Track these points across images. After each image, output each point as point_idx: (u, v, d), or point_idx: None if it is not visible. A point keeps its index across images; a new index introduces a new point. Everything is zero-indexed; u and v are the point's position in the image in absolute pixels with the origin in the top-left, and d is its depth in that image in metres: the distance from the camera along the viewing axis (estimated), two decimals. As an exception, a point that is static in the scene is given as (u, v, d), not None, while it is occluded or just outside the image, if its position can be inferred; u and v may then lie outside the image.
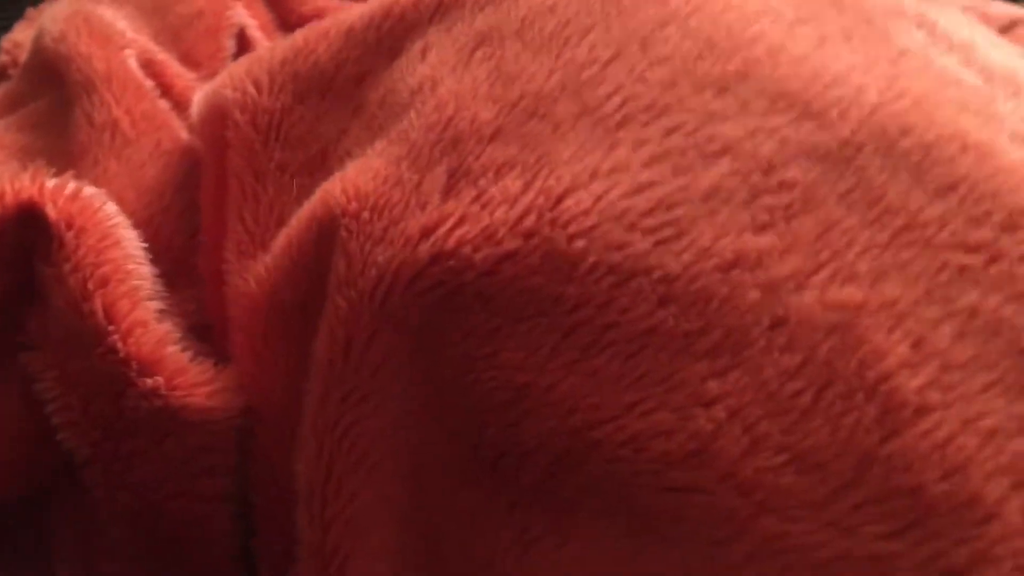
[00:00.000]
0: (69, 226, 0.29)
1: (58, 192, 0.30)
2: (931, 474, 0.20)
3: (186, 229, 0.37)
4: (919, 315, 0.22)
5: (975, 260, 0.22)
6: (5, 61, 0.57)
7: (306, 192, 0.30)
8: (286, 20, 0.55)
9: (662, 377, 0.22)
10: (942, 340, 0.21)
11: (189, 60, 0.47)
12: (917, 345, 0.21)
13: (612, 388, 0.23)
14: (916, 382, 0.21)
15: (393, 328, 0.26)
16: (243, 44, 0.50)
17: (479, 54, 0.29)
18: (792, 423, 0.21)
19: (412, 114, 0.28)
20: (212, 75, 0.46)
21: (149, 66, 0.44)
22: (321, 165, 0.31)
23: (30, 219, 0.29)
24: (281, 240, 0.29)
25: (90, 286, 0.28)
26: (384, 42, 0.32)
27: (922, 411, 0.21)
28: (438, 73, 0.29)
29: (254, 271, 0.29)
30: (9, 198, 0.29)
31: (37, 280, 0.29)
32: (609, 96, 0.26)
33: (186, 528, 0.30)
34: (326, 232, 0.28)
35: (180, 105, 0.43)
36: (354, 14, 0.33)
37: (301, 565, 0.27)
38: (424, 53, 0.30)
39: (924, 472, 0.20)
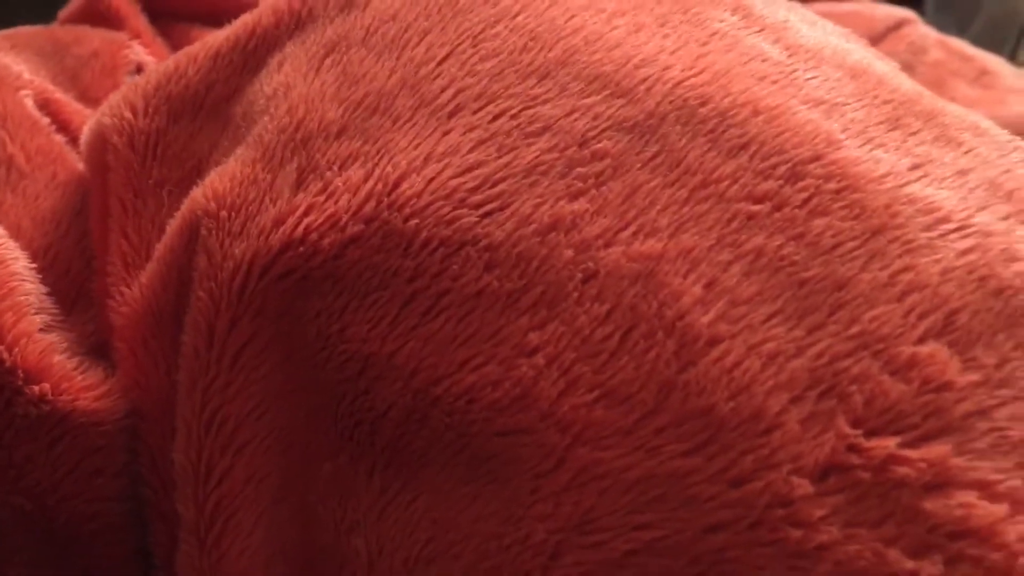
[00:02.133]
0: None
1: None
2: (721, 395, 0.23)
3: (83, 255, 0.39)
4: (711, 259, 0.24)
5: (762, 208, 0.25)
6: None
7: (178, 204, 0.32)
8: (181, 55, 0.57)
9: (490, 334, 0.25)
10: (731, 279, 0.24)
11: (87, 98, 0.49)
12: (709, 285, 0.24)
13: (447, 348, 0.25)
14: (708, 317, 0.23)
15: (251, 315, 0.28)
16: (140, 80, 0.52)
17: (328, 61, 0.31)
18: (602, 363, 0.24)
19: (266, 119, 0.31)
20: (109, 111, 0.49)
21: (46, 105, 0.46)
22: (196, 179, 0.33)
23: None
24: (157, 249, 0.31)
25: None
26: (249, 61, 0.34)
27: (713, 341, 0.23)
28: (290, 80, 0.31)
29: (136, 280, 0.31)
30: None
31: None
32: (443, 89, 0.29)
33: (83, 528, 0.31)
34: (192, 235, 0.30)
35: (76, 140, 0.45)
36: (220, 37, 0.36)
37: (182, 547, 0.29)
38: (280, 65, 0.33)
39: (715, 394, 0.23)
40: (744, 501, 0.22)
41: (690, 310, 0.24)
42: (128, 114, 0.35)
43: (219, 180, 0.30)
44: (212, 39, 0.36)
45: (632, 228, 0.25)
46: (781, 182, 0.25)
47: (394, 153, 0.28)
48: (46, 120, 0.45)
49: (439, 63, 0.29)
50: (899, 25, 0.86)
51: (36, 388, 0.30)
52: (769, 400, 0.22)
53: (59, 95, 0.48)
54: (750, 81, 0.28)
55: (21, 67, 0.49)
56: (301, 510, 0.28)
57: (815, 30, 0.34)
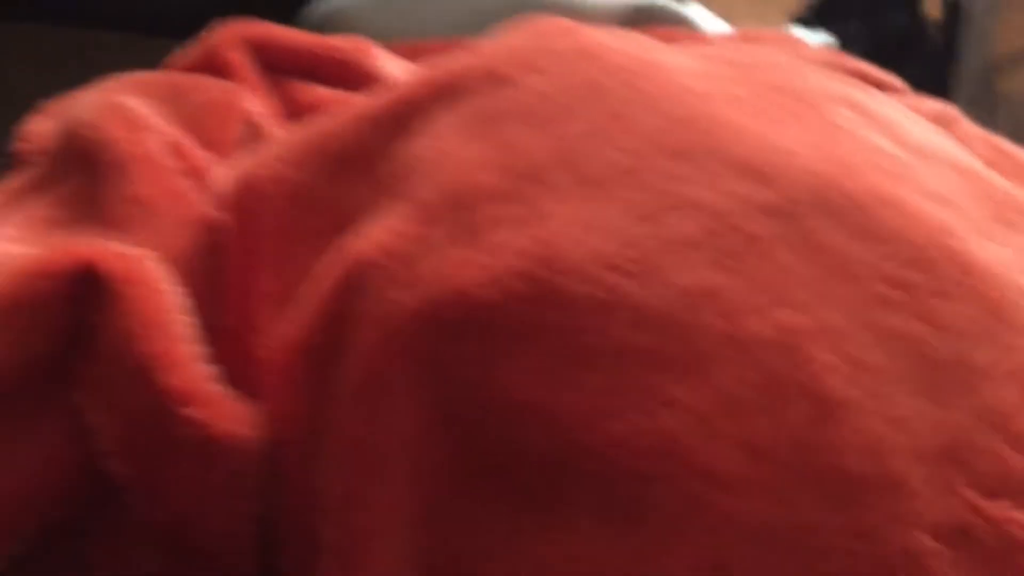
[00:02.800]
0: (121, 281, 0.34)
1: (108, 251, 0.34)
2: (854, 455, 0.25)
3: (208, 290, 0.42)
4: (846, 333, 0.27)
5: (892, 290, 0.28)
6: (26, 148, 0.62)
7: (333, 251, 0.35)
8: (288, 107, 0.61)
9: (636, 387, 0.27)
10: (865, 352, 0.26)
11: (205, 143, 0.52)
12: (845, 356, 0.26)
13: (595, 399, 0.27)
14: (843, 384, 0.26)
15: (407, 357, 0.30)
16: (255, 129, 0.55)
17: (483, 131, 0.34)
18: (742, 419, 0.26)
19: (424, 179, 0.34)
20: (226, 156, 0.52)
21: (174, 148, 0.49)
22: (345, 228, 0.36)
23: (84, 275, 0.34)
24: (311, 290, 0.34)
25: (137, 330, 0.33)
26: (399, 125, 0.38)
27: (845, 405, 0.26)
28: (447, 145, 0.34)
29: (288, 319, 0.34)
30: (67, 258, 0.33)
31: (89, 328, 0.34)
32: (593, 163, 0.32)
33: (218, 546, 0.34)
34: (351, 281, 0.33)
35: (201, 182, 0.48)
36: (375, 102, 0.39)
37: (323, 569, 0.31)
38: (435, 130, 0.36)
39: (848, 454, 0.25)
40: (873, 554, 0.24)
41: (825, 375, 0.26)
42: (284, 167, 0.38)
43: (382, 233, 0.32)
44: (366, 103, 0.39)
45: (773, 300, 0.27)
46: (910, 268, 0.28)
47: (550, 218, 0.30)
48: (173, 163, 0.48)
49: (588, 139, 0.32)
50: (944, 119, 0.90)
51: (190, 412, 0.32)
52: (898, 462, 0.25)
53: (183, 139, 0.51)
54: (874, 173, 0.31)
55: (146, 111, 0.52)
56: (440, 540, 0.30)
57: (918, 127, 0.37)
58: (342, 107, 0.44)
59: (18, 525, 0.32)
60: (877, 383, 0.26)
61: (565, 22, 0.40)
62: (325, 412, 0.32)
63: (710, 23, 1.08)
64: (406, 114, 0.38)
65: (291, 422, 0.33)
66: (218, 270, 0.42)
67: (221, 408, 0.33)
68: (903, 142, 0.34)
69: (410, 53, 0.83)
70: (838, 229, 0.29)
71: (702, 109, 0.33)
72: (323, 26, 0.96)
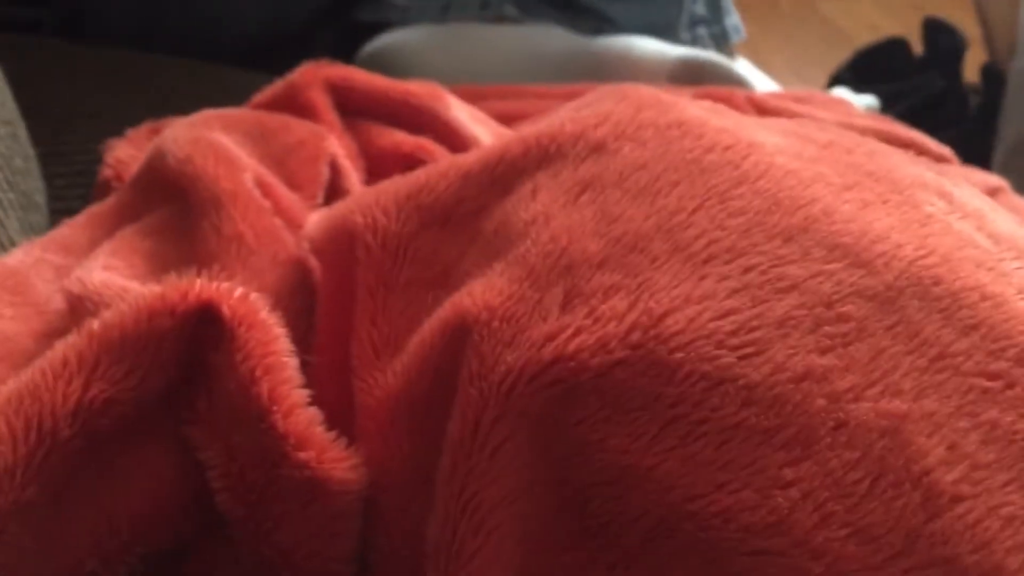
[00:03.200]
0: (240, 323, 0.35)
1: (230, 294, 0.35)
2: (964, 547, 0.26)
3: (299, 328, 0.43)
4: (952, 425, 0.28)
5: (995, 385, 0.28)
6: (110, 175, 0.64)
7: (431, 304, 0.36)
8: (366, 150, 0.62)
9: (746, 463, 0.28)
10: (971, 445, 0.27)
11: (291, 183, 0.54)
12: (951, 448, 0.27)
13: (704, 470, 0.28)
14: (951, 476, 0.27)
15: (515, 415, 0.31)
16: (334, 170, 0.56)
17: (584, 197, 0.35)
18: (853, 504, 0.27)
19: (528, 243, 0.35)
20: (311, 196, 0.53)
21: (262, 187, 0.50)
22: (444, 283, 0.37)
23: (206, 315, 0.35)
24: (414, 343, 0.35)
25: (258, 373, 0.34)
26: (497, 183, 0.39)
27: (956, 499, 0.26)
28: (549, 210, 0.35)
29: (390, 367, 0.35)
30: (189, 296, 0.35)
31: (208, 367, 0.35)
32: (696, 238, 0.33)
33: (315, 583, 0.34)
34: (457, 337, 0.34)
35: (288, 221, 0.49)
36: (470, 158, 0.40)
37: (422, 614, 0.32)
38: (534, 193, 0.37)
39: (959, 546, 0.26)
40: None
41: (935, 468, 0.27)
42: (382, 217, 0.39)
43: (488, 292, 0.33)
44: (461, 159, 0.41)
45: (879, 387, 0.28)
46: (1011, 363, 0.29)
47: (655, 290, 0.31)
48: (267, 202, 0.49)
49: (690, 213, 0.33)
50: (994, 192, 0.90)
51: (302, 455, 0.33)
52: (1008, 558, 0.25)
53: (271, 178, 0.52)
54: (971, 267, 0.32)
55: (238, 149, 0.53)
56: (538, 594, 0.31)
57: (1004, 219, 0.37)
58: (438, 160, 0.45)
59: (126, 553, 0.33)
60: (984, 476, 0.27)
61: (661, 94, 0.41)
62: (428, 462, 0.33)
63: (757, 79, 1.10)
64: (506, 174, 0.39)
65: (392, 468, 0.34)
66: (307, 311, 0.43)
67: (330, 452, 0.34)
68: (992, 234, 0.35)
69: (472, 96, 0.85)
70: (939, 320, 0.30)
71: (803, 192, 0.34)
72: (379, 62, 0.98)
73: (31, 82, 0.80)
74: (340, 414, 0.37)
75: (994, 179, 0.96)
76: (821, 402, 0.28)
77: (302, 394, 0.35)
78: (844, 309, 0.30)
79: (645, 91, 0.41)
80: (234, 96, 0.66)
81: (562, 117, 0.40)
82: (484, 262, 0.36)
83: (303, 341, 0.43)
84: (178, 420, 0.35)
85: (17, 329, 0.43)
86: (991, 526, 0.26)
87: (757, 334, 0.30)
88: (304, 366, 0.39)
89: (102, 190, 0.62)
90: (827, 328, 0.30)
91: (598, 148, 0.37)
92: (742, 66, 1.14)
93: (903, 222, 0.33)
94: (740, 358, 0.29)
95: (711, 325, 0.30)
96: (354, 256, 0.40)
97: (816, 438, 0.28)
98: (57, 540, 0.33)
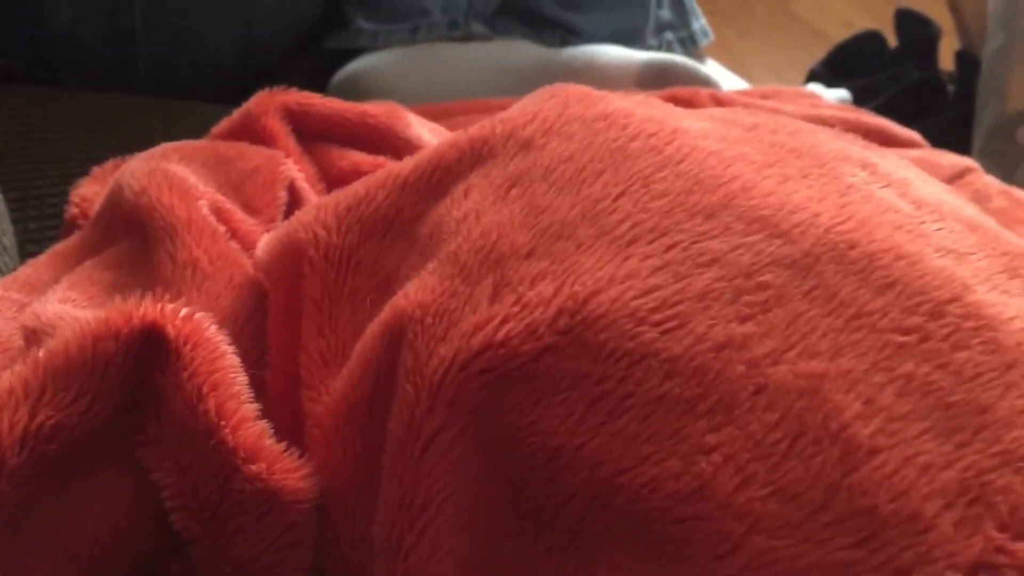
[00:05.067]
0: (185, 342, 0.35)
1: (175, 314, 0.36)
2: (883, 497, 0.26)
3: (256, 350, 0.44)
4: (868, 380, 0.28)
5: (909, 339, 0.29)
6: (75, 213, 0.65)
7: (374, 311, 0.37)
8: (327, 173, 0.63)
9: (670, 433, 0.29)
10: (886, 399, 0.28)
11: (249, 208, 0.55)
12: (868, 403, 0.28)
13: (631, 444, 0.29)
14: (868, 430, 0.27)
15: (446, 406, 0.32)
16: (293, 194, 0.57)
17: (513, 192, 0.36)
18: (774, 464, 0.27)
19: (459, 239, 0.35)
20: (270, 220, 0.54)
21: (219, 213, 0.51)
22: (386, 289, 0.38)
23: (151, 336, 0.35)
24: (356, 349, 0.36)
25: (205, 390, 0.34)
26: (433, 189, 0.40)
27: (874, 451, 0.27)
28: (480, 207, 0.36)
29: (338, 375, 0.36)
30: (133, 319, 0.35)
31: (155, 387, 0.35)
32: (620, 222, 0.33)
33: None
34: (394, 338, 0.34)
35: (245, 245, 0.50)
36: (406, 167, 0.41)
37: (375, 612, 0.32)
38: (467, 193, 0.38)
39: (877, 496, 0.26)
40: (903, 591, 0.25)
41: (852, 423, 0.27)
42: (323, 231, 0.40)
43: (421, 291, 0.34)
44: (398, 168, 0.42)
45: (796, 350, 0.29)
46: (925, 318, 0.29)
47: (580, 273, 0.32)
48: (221, 227, 0.50)
49: (615, 199, 0.34)
50: (963, 173, 0.91)
51: (253, 467, 0.34)
52: (925, 504, 0.26)
53: (228, 205, 0.53)
54: (889, 229, 0.32)
55: (193, 178, 0.54)
56: (483, 582, 0.31)
57: (931, 186, 0.38)
58: (375, 172, 0.46)
59: (86, 577, 0.34)
60: (900, 428, 0.27)
61: (589, 90, 0.42)
62: (372, 464, 0.34)
63: (726, 80, 1.11)
64: (440, 178, 0.40)
65: (340, 474, 0.35)
66: (263, 331, 0.44)
67: (281, 464, 0.34)
68: (915, 200, 0.36)
69: (439, 114, 0.86)
70: (855, 282, 0.31)
71: (724, 171, 0.34)
72: (351, 85, 1.00)
73: (2, 127, 0.81)
74: (294, 427, 0.38)
75: (964, 161, 0.96)
76: (741, 368, 0.29)
77: (251, 408, 0.35)
78: (763, 278, 0.31)
79: (573, 88, 0.42)
80: (208, 131, 0.67)
81: (494, 119, 0.41)
82: (420, 264, 0.37)
83: (260, 361, 0.44)
84: (131, 443, 0.36)
85: (-20, 366, 0.43)
86: (908, 475, 0.27)
87: (679, 308, 0.31)
88: (258, 384, 0.40)
89: (68, 229, 0.63)
90: (747, 297, 0.30)
91: (526, 145, 0.38)
92: (711, 68, 1.15)
93: (822, 193, 0.34)
94: (662, 333, 0.30)
95: (634, 303, 0.31)
96: (299, 271, 0.41)
97: (737, 403, 0.28)
98: (14, 570, 0.33)
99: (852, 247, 0.31)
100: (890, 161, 0.39)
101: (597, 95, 0.41)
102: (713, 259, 0.31)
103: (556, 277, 0.32)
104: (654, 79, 1.01)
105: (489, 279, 0.33)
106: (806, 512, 0.27)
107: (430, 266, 0.36)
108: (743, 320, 0.30)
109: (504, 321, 0.32)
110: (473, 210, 0.36)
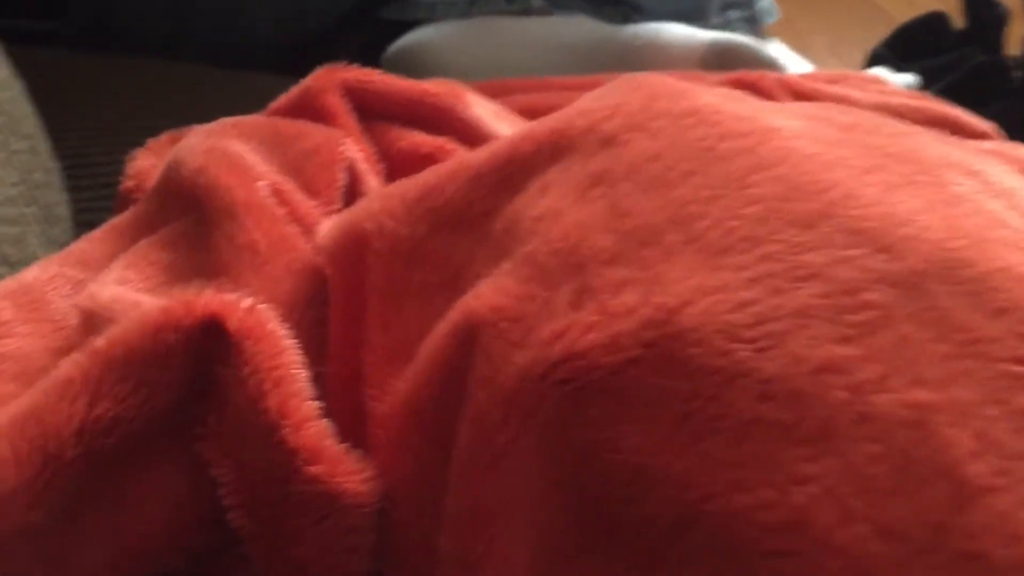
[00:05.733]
0: (247, 336, 0.35)
1: (237, 306, 0.35)
2: (994, 541, 0.25)
3: (315, 338, 0.43)
4: (981, 413, 0.27)
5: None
6: (130, 186, 0.65)
7: (443, 307, 0.36)
8: (386, 153, 0.62)
9: (764, 460, 0.27)
10: (1001, 434, 0.26)
11: (308, 189, 0.54)
12: (980, 437, 0.26)
13: (720, 468, 0.28)
14: (980, 467, 0.26)
15: (522, 416, 0.31)
16: (353, 175, 0.56)
17: (595, 192, 0.35)
18: (876, 499, 0.26)
19: (538, 240, 0.34)
20: (329, 202, 0.53)
21: (278, 194, 0.50)
22: (454, 285, 0.37)
23: (212, 328, 0.35)
24: (423, 348, 0.35)
25: (266, 387, 0.34)
26: (507, 182, 0.38)
27: (986, 491, 0.26)
28: (559, 206, 0.35)
29: (402, 374, 0.35)
30: (194, 310, 0.35)
31: (216, 382, 0.35)
32: (710, 228, 0.32)
33: (331, 598, 0.34)
34: (465, 340, 0.33)
35: (305, 228, 0.49)
36: (479, 158, 0.40)
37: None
38: (544, 190, 0.36)
39: (988, 540, 0.25)
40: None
41: (963, 459, 0.26)
42: (390, 222, 0.39)
43: (496, 293, 0.33)
44: (470, 158, 0.40)
45: (903, 377, 0.27)
46: (1043, 346, 0.28)
47: (667, 283, 0.31)
48: (281, 210, 0.49)
49: (705, 203, 0.33)
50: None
51: (314, 469, 0.33)
52: (1042, 551, 0.25)
53: (287, 186, 0.52)
54: (1001, 247, 0.31)
55: (252, 156, 0.53)
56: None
57: (1039, 196, 0.36)
58: (446, 161, 0.44)
59: (141, 573, 0.33)
60: (1015, 466, 0.26)
61: (675, 82, 0.40)
62: (437, 470, 0.33)
63: (791, 61, 1.08)
64: (514, 172, 0.39)
65: (403, 478, 0.34)
66: (323, 320, 0.43)
67: (342, 465, 0.33)
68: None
69: (497, 91, 0.84)
70: (967, 305, 0.29)
71: (823, 177, 0.33)
72: (406, 58, 0.98)
73: (55, 94, 0.81)
74: (354, 426, 0.37)
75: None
76: (842, 394, 0.27)
77: (313, 407, 0.34)
78: (866, 297, 0.29)
79: (658, 79, 0.40)
80: (262, 102, 0.66)
81: (572, 111, 0.40)
82: (493, 263, 0.36)
83: (320, 351, 0.43)
84: (189, 436, 0.35)
85: (33, 346, 0.43)
86: (1023, 518, 0.25)
87: (775, 325, 0.29)
88: (317, 378, 0.39)
89: (123, 201, 0.62)
90: (848, 317, 0.29)
91: (609, 141, 0.37)
92: (775, 49, 1.12)
93: (929, 203, 0.32)
94: (757, 351, 0.29)
95: (726, 318, 0.29)
96: (364, 262, 0.40)
97: (837, 432, 0.27)
98: (67, 564, 0.33)
99: (964, 266, 0.30)
100: (995, 168, 0.37)
101: (683, 87, 0.39)
102: (812, 273, 0.30)
103: (642, 286, 0.31)
104: (718, 60, 0.99)
105: (569, 284, 0.32)
106: (910, 552, 0.25)
107: (505, 266, 0.35)
108: (844, 341, 0.28)
109: (586, 330, 0.30)
110: (552, 209, 0.35)
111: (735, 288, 0.30)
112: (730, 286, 0.30)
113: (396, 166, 0.61)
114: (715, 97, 0.39)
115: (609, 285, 0.31)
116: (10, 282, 0.46)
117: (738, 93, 0.41)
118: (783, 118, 0.37)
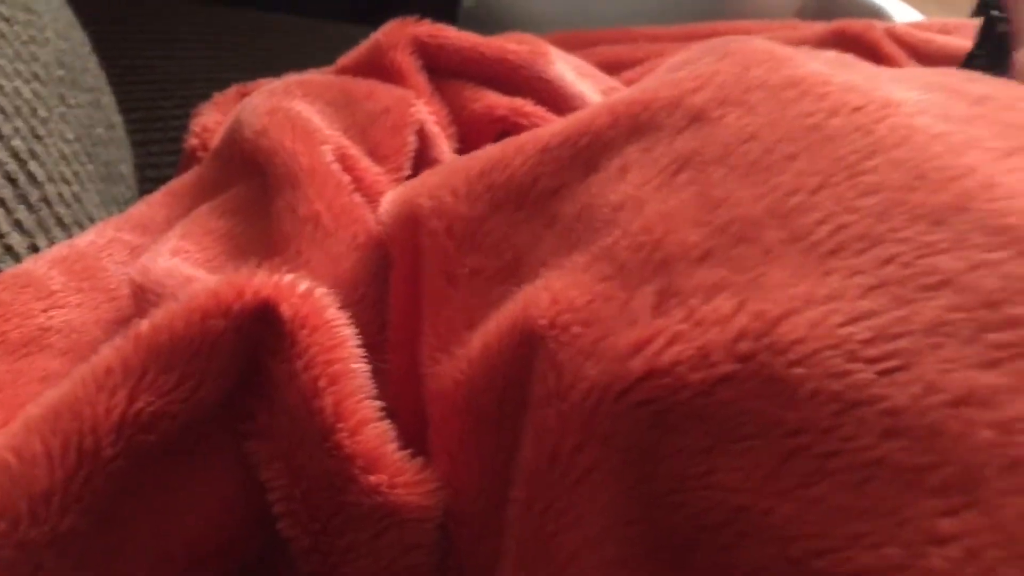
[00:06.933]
0: (302, 325, 0.29)
1: (292, 291, 0.30)
2: None
3: (376, 321, 0.38)
4: None
5: None
6: (195, 144, 0.60)
7: (500, 297, 0.30)
8: (458, 115, 0.56)
9: (890, 510, 0.21)
10: None
11: (376, 154, 0.48)
12: None
13: (836, 518, 0.22)
14: None
15: (600, 441, 0.25)
16: (423, 139, 0.51)
17: (683, 177, 0.29)
18: (1032, 569, 0.20)
19: (617, 232, 0.28)
20: (397, 168, 0.48)
21: (343, 160, 0.45)
22: (514, 272, 0.31)
23: (265, 315, 0.30)
24: (478, 344, 0.29)
25: (321, 384, 0.29)
26: (579, 158, 0.32)
27: None
28: (641, 192, 0.29)
29: (448, 374, 0.29)
30: (244, 295, 0.30)
31: (267, 375, 0.30)
32: (819, 223, 0.26)
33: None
34: (529, 341, 0.28)
35: (370, 198, 0.44)
36: (550, 130, 0.34)
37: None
38: (624, 171, 0.30)
39: None
40: None
41: None
42: (449, 198, 0.34)
43: (569, 289, 0.27)
44: (542, 131, 0.34)
45: (1063, 414, 0.21)
46: None
47: (768, 288, 0.25)
48: (346, 177, 0.44)
49: (812, 193, 0.26)
50: None
51: (372, 478, 0.28)
52: None
53: (353, 150, 0.47)
54: None
55: (317, 118, 0.48)
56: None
57: None
58: (536, 123, 0.38)
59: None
60: None
61: (773, 47, 0.33)
62: (498, 488, 0.27)
63: (896, 9, 0.98)
64: (590, 148, 0.32)
65: (466, 492, 0.29)
66: (385, 298, 0.38)
67: (404, 476, 0.28)
68: None
69: (579, 43, 0.77)
70: None
71: (954, 162, 0.26)
72: (485, 11, 0.91)
73: (127, 43, 0.76)
74: (419, 428, 0.32)
75: None
76: (987, 433, 0.21)
77: (372, 407, 0.29)
78: (1013, 311, 0.23)
79: (753, 45, 0.33)
80: (336, 53, 0.61)
81: (656, 80, 0.33)
82: (563, 252, 0.30)
83: (381, 333, 0.38)
84: (238, 435, 0.30)
85: (85, 318, 0.39)
86: None
87: (901, 343, 0.23)
88: (378, 372, 0.34)
89: (188, 160, 0.58)
90: (992, 336, 0.23)
91: (698, 117, 0.30)
92: (883, -3, 1.02)
93: (1083, 195, 0.26)
94: (880, 374, 0.23)
95: (841, 332, 0.23)
96: (419, 243, 0.34)
97: (982, 480, 0.21)
98: (107, 571, 0.28)
99: None
100: None
101: (783, 54, 0.32)
102: (944, 280, 0.24)
103: (738, 290, 0.25)
104: (819, 10, 0.90)
105: (652, 285, 0.26)
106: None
107: (579, 259, 0.29)
108: (988, 366, 0.22)
109: (671, 341, 0.25)
110: (633, 196, 0.29)
111: (850, 296, 0.24)
112: (844, 294, 0.24)
113: (469, 129, 0.55)
114: (821, 65, 0.32)
115: (699, 288, 0.25)
116: (63, 247, 0.41)
117: (848, 57, 0.34)
118: (903, 89, 0.30)
